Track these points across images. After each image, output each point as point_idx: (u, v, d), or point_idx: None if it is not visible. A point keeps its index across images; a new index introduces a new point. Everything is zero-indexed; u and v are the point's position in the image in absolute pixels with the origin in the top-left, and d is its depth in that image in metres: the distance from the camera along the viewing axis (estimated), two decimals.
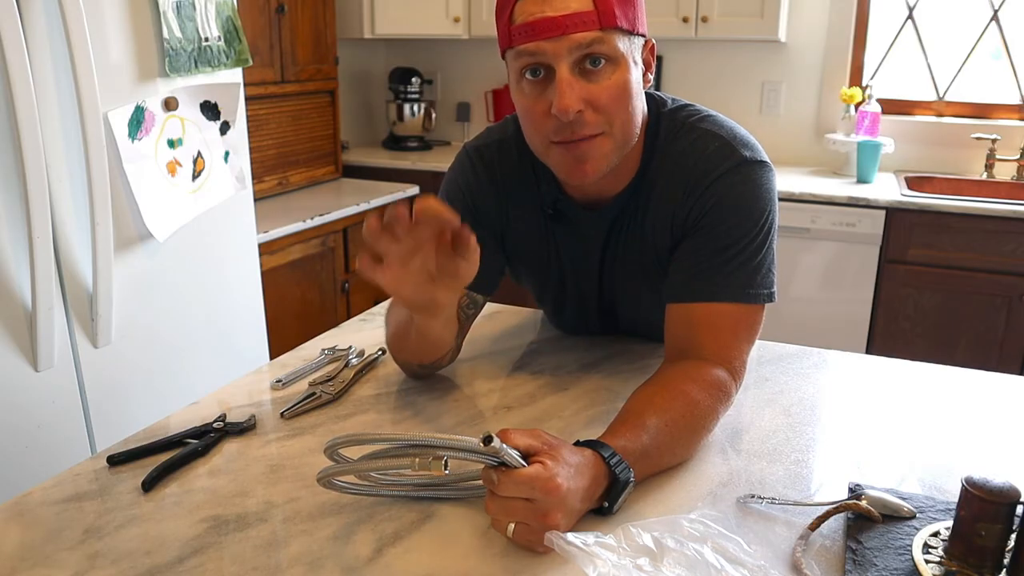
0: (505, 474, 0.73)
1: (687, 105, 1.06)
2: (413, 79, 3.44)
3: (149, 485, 0.86)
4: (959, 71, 2.95)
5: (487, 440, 0.70)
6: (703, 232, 0.99)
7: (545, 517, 0.72)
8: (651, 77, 0.99)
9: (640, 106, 0.97)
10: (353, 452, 0.78)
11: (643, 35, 0.96)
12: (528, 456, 0.75)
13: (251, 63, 1.76)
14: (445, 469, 0.70)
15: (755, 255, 0.99)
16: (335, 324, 1.39)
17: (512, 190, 1.10)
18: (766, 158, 1.02)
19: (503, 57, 0.96)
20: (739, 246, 0.98)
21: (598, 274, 1.13)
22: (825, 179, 2.84)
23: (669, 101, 1.06)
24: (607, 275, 1.13)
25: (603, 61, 0.90)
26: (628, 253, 1.09)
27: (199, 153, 1.67)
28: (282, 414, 1.02)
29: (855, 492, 0.83)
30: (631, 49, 0.93)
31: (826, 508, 0.80)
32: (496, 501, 0.74)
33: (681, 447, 0.90)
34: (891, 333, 2.61)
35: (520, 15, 0.90)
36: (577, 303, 1.20)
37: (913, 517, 0.79)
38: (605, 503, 0.80)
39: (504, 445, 0.72)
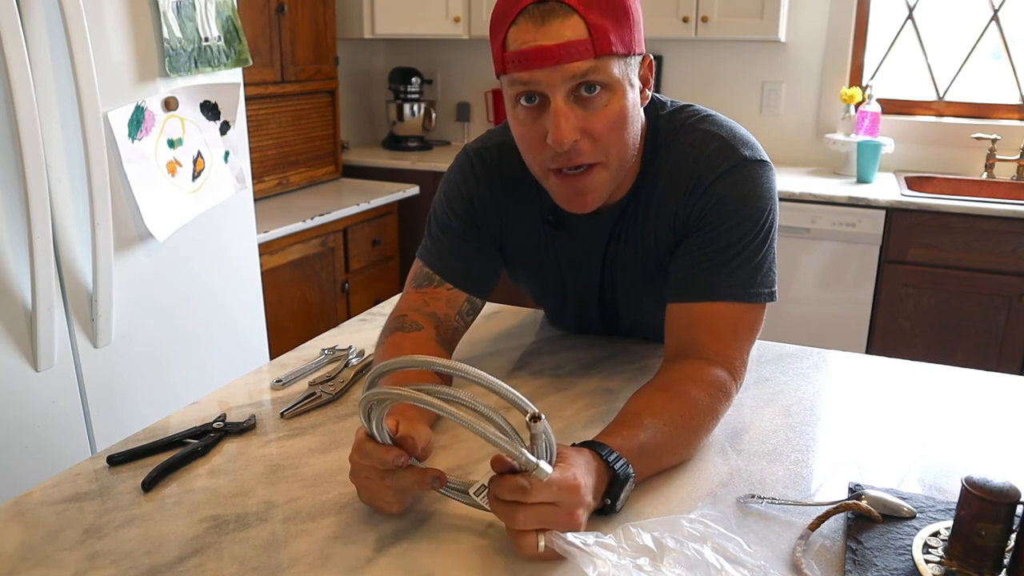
0: (535, 480, 0.71)
1: (686, 106, 1.06)
2: (413, 79, 3.44)
3: (149, 485, 0.86)
4: (959, 71, 2.94)
5: (535, 418, 0.69)
6: (704, 231, 0.99)
7: (571, 517, 0.72)
8: (649, 93, 0.99)
9: (636, 129, 0.97)
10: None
11: (640, 53, 0.94)
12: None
13: (251, 63, 1.76)
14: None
15: (755, 254, 0.99)
16: (335, 324, 1.39)
17: (512, 194, 1.10)
18: (766, 157, 1.01)
19: (498, 77, 0.95)
20: (740, 245, 0.98)
21: (599, 278, 1.13)
22: (825, 179, 2.84)
23: (668, 103, 1.06)
24: (608, 279, 1.13)
25: (598, 88, 0.89)
26: (629, 256, 1.09)
27: (199, 153, 1.67)
28: (282, 414, 1.02)
29: (855, 492, 0.83)
30: (627, 72, 0.92)
31: (826, 508, 0.80)
32: (525, 511, 0.72)
33: (681, 446, 0.90)
34: (891, 333, 2.61)
35: (513, 42, 0.88)
36: (578, 305, 1.20)
37: (913, 517, 0.79)
38: (607, 500, 0.80)
39: (548, 427, 0.71)
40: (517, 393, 0.69)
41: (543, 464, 0.71)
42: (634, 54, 0.92)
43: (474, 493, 0.78)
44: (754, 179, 0.99)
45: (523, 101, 0.92)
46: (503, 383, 0.69)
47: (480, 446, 0.94)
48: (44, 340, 1.40)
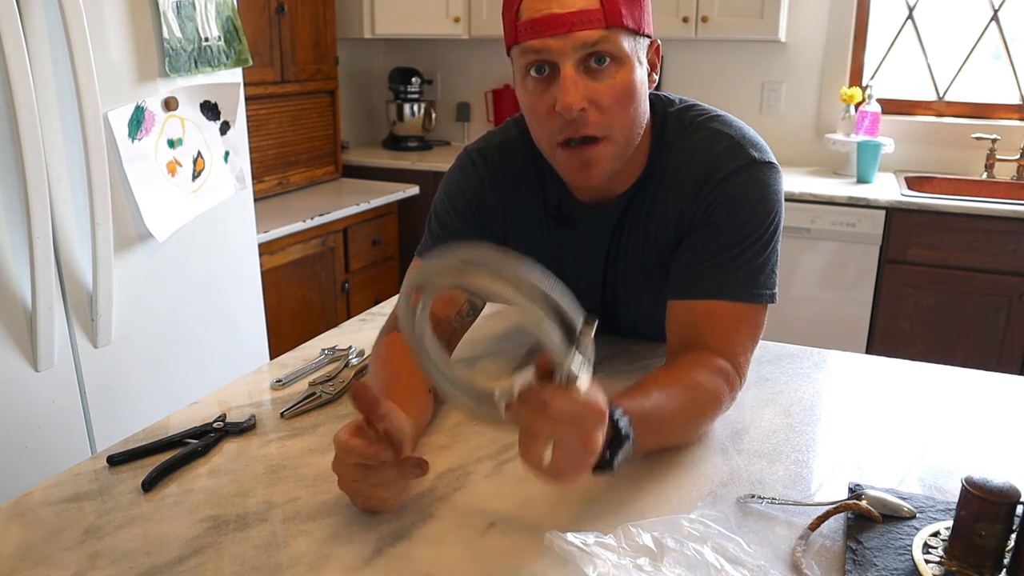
0: (559, 390, 0.70)
1: (695, 105, 1.06)
2: (413, 79, 3.44)
3: (149, 485, 0.86)
4: (959, 71, 2.94)
5: (589, 322, 0.69)
6: (709, 229, 1.00)
7: (590, 437, 0.70)
8: (656, 78, 1.00)
9: (643, 107, 0.98)
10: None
11: (648, 36, 0.96)
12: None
13: (251, 63, 1.76)
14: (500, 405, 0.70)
15: (759, 255, 0.99)
16: (335, 324, 1.39)
17: (514, 192, 1.10)
18: (774, 159, 1.02)
19: (508, 54, 0.96)
20: (744, 245, 0.98)
21: (601, 275, 1.13)
22: (825, 179, 2.84)
23: (677, 101, 1.07)
24: (610, 276, 1.13)
25: (608, 60, 0.91)
26: (632, 253, 1.09)
27: (199, 153, 1.67)
28: (282, 414, 1.02)
29: (855, 492, 0.83)
30: (636, 49, 0.93)
31: (826, 508, 0.80)
32: (548, 417, 0.69)
33: (682, 425, 0.90)
34: (891, 333, 2.61)
35: (526, 12, 0.90)
36: (579, 304, 1.20)
37: (913, 517, 0.79)
38: (607, 454, 0.77)
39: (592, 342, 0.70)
40: (568, 300, 0.68)
41: (584, 375, 0.69)
42: (643, 33, 0.94)
43: (499, 396, 0.73)
44: (762, 180, 0.99)
45: (533, 72, 0.93)
46: (553, 290, 0.68)
47: (480, 445, 0.94)
48: (44, 340, 1.40)
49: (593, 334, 0.69)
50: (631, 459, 0.80)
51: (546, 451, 0.70)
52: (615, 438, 0.78)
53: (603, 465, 0.78)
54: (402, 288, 0.73)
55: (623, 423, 0.78)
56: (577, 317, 0.69)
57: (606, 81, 0.91)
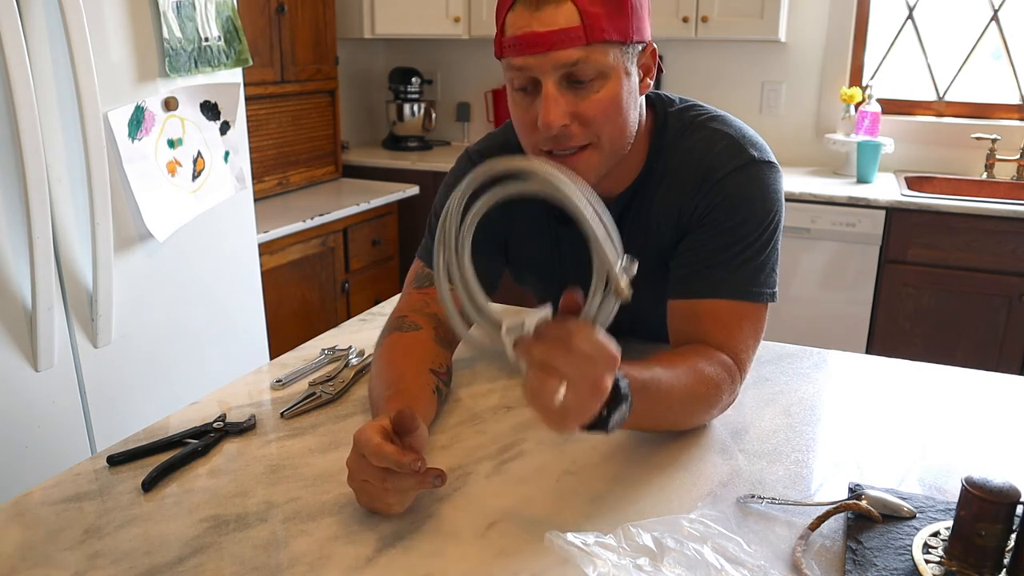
0: (584, 326, 0.70)
1: (696, 105, 1.06)
2: (413, 79, 3.44)
3: (149, 485, 0.86)
4: (959, 71, 2.94)
5: (632, 259, 0.71)
6: (708, 228, 1.00)
7: (600, 380, 0.70)
8: (651, 82, 0.99)
9: (632, 116, 0.97)
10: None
11: (641, 41, 0.94)
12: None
13: (251, 63, 1.76)
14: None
15: (759, 254, 0.99)
16: (335, 324, 1.39)
17: None
18: (774, 159, 1.02)
19: (499, 60, 0.96)
20: (743, 243, 0.98)
21: None
22: (825, 179, 2.84)
23: (677, 101, 1.07)
24: None
25: (591, 75, 0.90)
26: (633, 252, 1.08)
27: (199, 153, 1.67)
28: (282, 414, 1.02)
29: (855, 492, 0.83)
30: (623, 59, 0.92)
31: (826, 508, 0.80)
32: (563, 354, 0.69)
33: (679, 403, 0.90)
34: (891, 333, 2.61)
35: (510, 28, 0.90)
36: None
37: (913, 517, 0.79)
38: (604, 411, 0.77)
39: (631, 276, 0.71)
40: (616, 235, 0.71)
41: (624, 280, 0.70)
42: (632, 41, 0.92)
43: (506, 330, 0.72)
44: (761, 179, 0.99)
45: (517, 86, 0.93)
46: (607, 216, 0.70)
47: (480, 445, 0.94)
48: (44, 340, 1.40)
49: (632, 274, 0.71)
50: (624, 419, 0.79)
51: (559, 391, 0.69)
52: (614, 398, 0.78)
53: (598, 424, 0.78)
54: (464, 183, 0.75)
55: (623, 384, 0.78)
56: (620, 250, 0.71)
57: (590, 96, 0.91)
